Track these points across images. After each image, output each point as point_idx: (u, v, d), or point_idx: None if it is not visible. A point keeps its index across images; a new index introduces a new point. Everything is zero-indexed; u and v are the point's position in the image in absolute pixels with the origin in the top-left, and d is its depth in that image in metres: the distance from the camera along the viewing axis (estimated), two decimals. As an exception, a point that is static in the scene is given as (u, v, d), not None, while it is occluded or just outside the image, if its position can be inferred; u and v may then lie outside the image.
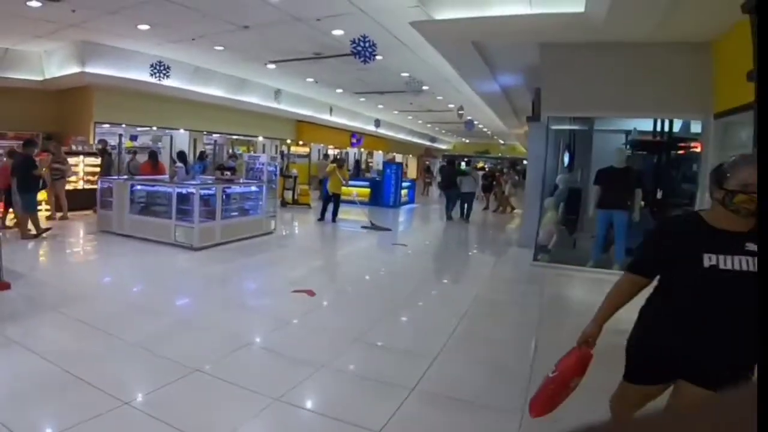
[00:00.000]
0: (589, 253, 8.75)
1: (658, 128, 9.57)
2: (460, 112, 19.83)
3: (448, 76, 14.26)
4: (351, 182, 19.66)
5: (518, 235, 11.00)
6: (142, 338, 4.50)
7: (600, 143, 10.83)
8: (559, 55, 8.23)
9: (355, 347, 4.67)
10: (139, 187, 9.87)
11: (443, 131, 38.31)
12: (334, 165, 12.87)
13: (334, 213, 12.67)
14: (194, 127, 18.96)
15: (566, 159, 9.21)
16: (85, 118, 14.74)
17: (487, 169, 23.41)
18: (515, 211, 18.12)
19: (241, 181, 11.03)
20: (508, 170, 26.20)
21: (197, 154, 18.01)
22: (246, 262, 8.34)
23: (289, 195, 16.31)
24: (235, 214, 9.90)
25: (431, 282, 7.88)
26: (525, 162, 44.89)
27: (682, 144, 9.34)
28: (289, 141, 25.20)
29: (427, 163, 43.87)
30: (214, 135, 21.46)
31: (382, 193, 18.71)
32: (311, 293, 6.23)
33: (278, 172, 11.69)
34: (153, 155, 12.22)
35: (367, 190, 18.92)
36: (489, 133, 34.07)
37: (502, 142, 42.55)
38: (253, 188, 10.57)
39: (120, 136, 17.41)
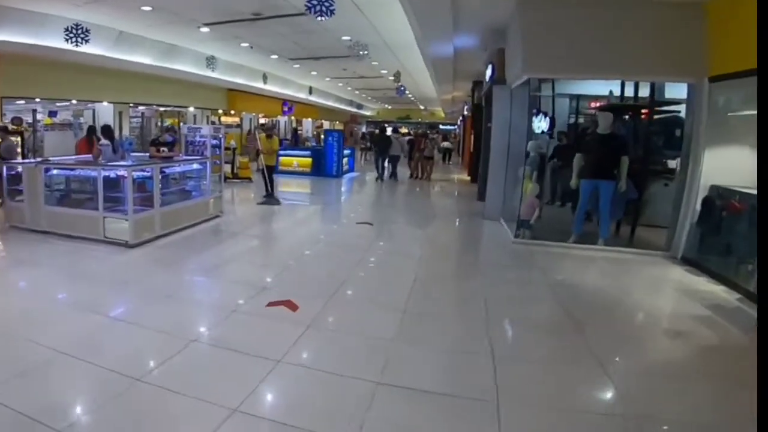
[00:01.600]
0: (567, 227, 7.73)
1: (631, 93, 8.57)
2: (397, 83, 18.27)
3: (390, 40, 12.72)
4: (291, 152, 17.97)
5: (483, 207, 9.84)
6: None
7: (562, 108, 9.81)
8: (540, 12, 6.90)
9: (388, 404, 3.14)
10: (55, 171, 7.71)
11: (369, 98, 36.53)
12: (263, 134, 11.08)
13: (270, 187, 10.60)
14: (119, 99, 16.37)
15: (543, 124, 7.99)
16: (-9, 93, 12.02)
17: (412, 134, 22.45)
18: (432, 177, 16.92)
19: (181, 158, 9.00)
20: (434, 135, 24.87)
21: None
22: (196, 261, 6.35)
23: (228, 169, 14.17)
24: (177, 198, 8.02)
25: (433, 281, 5.90)
26: (443, 127, 44.88)
27: (661, 108, 8.37)
28: (220, 111, 22.78)
29: (355, 128, 42.23)
30: (141, 107, 18.78)
31: (325, 163, 16.92)
32: (292, 306, 4.64)
33: (222, 145, 9.75)
34: (91, 131, 9.83)
35: (309, 160, 17.20)
36: (413, 98, 32.63)
37: (422, 107, 41.35)
38: (196, 166, 8.66)
39: (34, 111, 14.59)
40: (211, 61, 16.51)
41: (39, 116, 15.03)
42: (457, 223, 9.89)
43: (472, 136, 16.24)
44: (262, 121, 26.08)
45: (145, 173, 7.32)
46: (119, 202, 7.01)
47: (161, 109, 19.80)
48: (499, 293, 5.46)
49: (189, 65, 16.21)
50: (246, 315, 4.49)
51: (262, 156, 10.49)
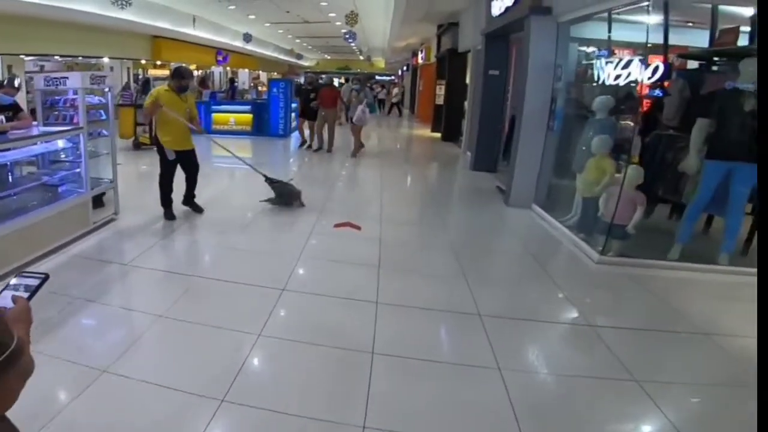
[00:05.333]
0: (654, 231, 4.57)
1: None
2: (353, 25, 14.05)
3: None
4: (227, 107, 13.47)
5: (492, 182, 6.49)
6: None
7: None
8: None
9: None
10: None
11: (310, 47, 31.42)
12: (163, 87, 5.14)
13: (189, 194, 5.34)
14: (7, 50, 11.34)
15: (636, 70, 4.47)
16: None
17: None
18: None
19: (33, 131, 4.15)
20: (361, 87, 19.81)
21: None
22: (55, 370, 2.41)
23: (145, 133, 9.70)
24: (22, 205, 3.95)
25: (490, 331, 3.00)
26: (379, 77, 39.71)
27: None
28: (143, 61, 17.63)
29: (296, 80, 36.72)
30: (30, 58, 13.51)
31: (269, 120, 12.36)
32: None
33: (112, 103, 5.02)
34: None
35: (249, 117, 12.63)
36: (355, 47, 27.90)
37: (361, 57, 36.41)
38: (61, 144, 4.49)
39: None
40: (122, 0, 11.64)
41: None
42: (469, 218, 6.07)
43: (444, 87, 12.62)
44: (197, 74, 20.86)
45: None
46: None
47: (65, 60, 14.54)
48: None
49: (89, 4, 11.35)
50: None
51: (157, 127, 5.13)
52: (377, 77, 39.29)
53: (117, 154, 5.14)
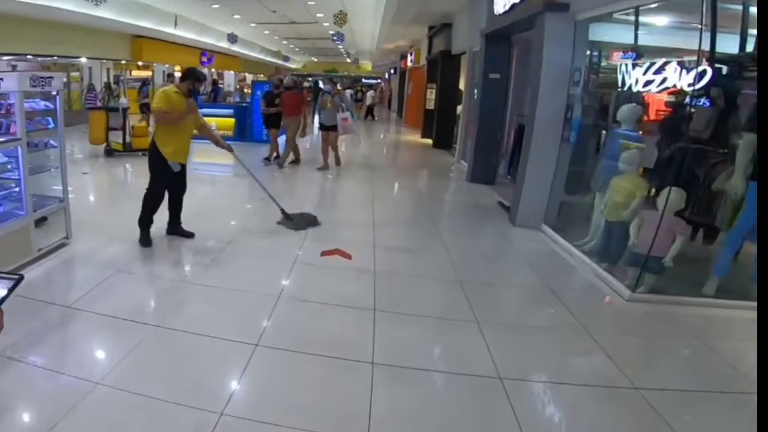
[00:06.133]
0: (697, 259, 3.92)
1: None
2: (341, 25, 13.25)
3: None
4: (208, 110, 12.22)
5: (492, 197, 5.82)
6: None
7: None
8: None
9: None
10: None
11: (297, 49, 30.47)
12: (170, 88, 4.34)
13: (175, 219, 4.51)
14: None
15: (675, 75, 3.70)
16: None
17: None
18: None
19: None
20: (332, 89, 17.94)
21: None
22: None
23: (118, 138, 8.74)
24: None
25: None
26: (366, 81, 38.42)
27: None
28: (123, 62, 16.67)
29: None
30: (9, 59, 12.49)
31: (252, 125, 11.29)
32: None
33: (60, 108, 4.12)
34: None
35: (231, 121, 11.67)
36: (342, 48, 26.97)
37: (349, 60, 35.42)
38: None
39: None
40: (96, -2, 10.71)
41: None
42: (473, 240, 5.25)
43: (435, 91, 11.90)
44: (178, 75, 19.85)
45: None
46: None
47: (41, 60, 13.52)
48: None
49: (65, 1, 10.44)
50: None
51: (156, 135, 4.23)
52: (364, 80, 38.31)
53: (85, 162, 4.31)
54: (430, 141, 12.29)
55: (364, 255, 4.32)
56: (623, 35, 4.25)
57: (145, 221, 4.31)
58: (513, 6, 5.59)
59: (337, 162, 8.69)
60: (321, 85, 16.53)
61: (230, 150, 4.60)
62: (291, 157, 8.66)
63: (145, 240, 4.28)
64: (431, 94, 12.48)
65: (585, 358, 2.91)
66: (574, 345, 3.01)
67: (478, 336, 2.99)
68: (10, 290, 0.91)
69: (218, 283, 3.64)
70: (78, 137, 9.74)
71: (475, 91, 7.71)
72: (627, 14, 4.04)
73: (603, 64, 4.87)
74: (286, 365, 2.63)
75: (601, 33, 4.59)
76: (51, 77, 3.91)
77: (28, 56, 12.83)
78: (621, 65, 4.16)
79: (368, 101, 20.61)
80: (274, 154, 8.74)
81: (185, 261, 4.18)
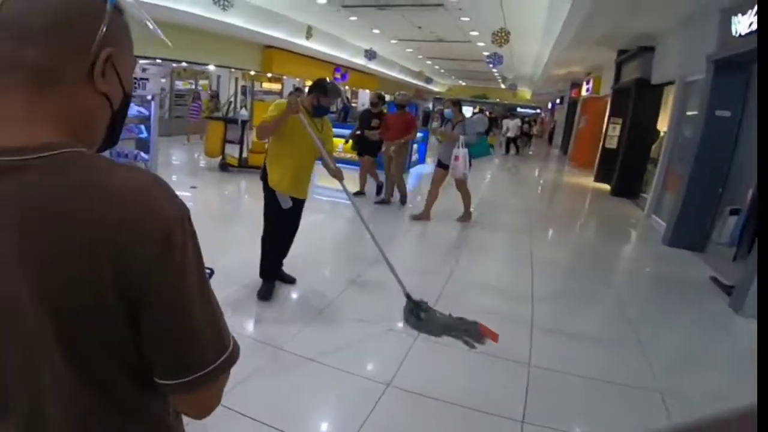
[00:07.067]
0: None
1: None
2: (502, 45, 12.88)
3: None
4: (336, 131, 12.09)
5: (708, 274, 4.70)
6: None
7: None
8: None
9: None
10: None
11: (442, 70, 31.13)
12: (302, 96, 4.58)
13: (271, 269, 4.12)
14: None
15: None
16: None
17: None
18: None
19: None
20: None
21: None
22: None
23: (235, 151, 9.34)
24: None
25: None
26: (521, 110, 37.62)
27: None
28: (252, 72, 18.18)
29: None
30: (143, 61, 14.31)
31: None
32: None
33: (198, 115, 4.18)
34: None
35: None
36: (497, 73, 26.73)
37: (503, 86, 35.09)
38: None
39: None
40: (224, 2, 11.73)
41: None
42: (680, 334, 4.17)
43: (620, 126, 10.99)
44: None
45: None
46: None
47: (170, 66, 15.26)
48: None
49: (194, 5, 11.62)
50: None
51: (268, 159, 3.90)
52: (519, 109, 37.43)
53: (198, 174, 4.31)
54: (607, 186, 11.44)
55: (515, 337, 3.60)
56: None
57: (268, 266, 4.04)
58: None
59: (466, 214, 7.38)
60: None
61: (339, 177, 3.87)
62: (396, 194, 8.09)
63: (266, 292, 3.98)
64: (614, 130, 11.63)
65: None
66: None
67: None
68: None
69: (310, 353, 3.19)
70: (198, 147, 10.60)
71: (688, 131, 6.74)
72: None
73: None
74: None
75: None
76: (147, 79, 3.93)
77: (158, 60, 14.52)
78: None
79: (510, 133, 19.97)
80: (382, 194, 8.15)
81: (275, 317, 3.83)
